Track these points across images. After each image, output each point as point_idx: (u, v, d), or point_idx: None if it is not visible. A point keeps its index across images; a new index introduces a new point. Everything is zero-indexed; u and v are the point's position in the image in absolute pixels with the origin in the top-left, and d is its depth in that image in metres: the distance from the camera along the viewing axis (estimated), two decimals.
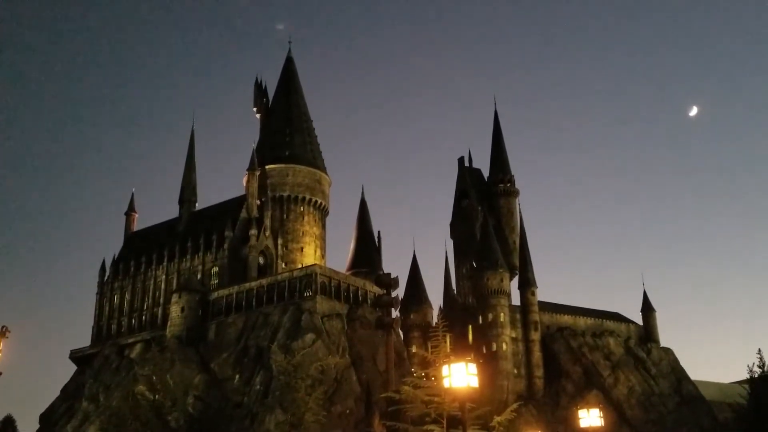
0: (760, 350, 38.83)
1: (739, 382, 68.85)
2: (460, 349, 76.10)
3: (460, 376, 14.85)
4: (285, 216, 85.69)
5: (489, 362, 78.28)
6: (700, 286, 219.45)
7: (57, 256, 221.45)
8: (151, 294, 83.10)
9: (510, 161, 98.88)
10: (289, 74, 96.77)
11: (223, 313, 73.89)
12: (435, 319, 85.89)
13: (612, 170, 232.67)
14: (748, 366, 38.77)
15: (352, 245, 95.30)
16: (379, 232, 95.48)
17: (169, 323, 74.59)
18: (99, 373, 74.97)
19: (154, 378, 64.62)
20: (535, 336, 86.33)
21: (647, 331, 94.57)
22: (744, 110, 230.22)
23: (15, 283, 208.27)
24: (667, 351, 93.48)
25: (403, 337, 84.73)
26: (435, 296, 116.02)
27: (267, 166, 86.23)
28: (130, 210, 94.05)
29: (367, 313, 70.77)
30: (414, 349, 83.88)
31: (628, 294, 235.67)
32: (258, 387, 62.18)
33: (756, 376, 38.18)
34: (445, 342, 22.40)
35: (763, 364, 38.29)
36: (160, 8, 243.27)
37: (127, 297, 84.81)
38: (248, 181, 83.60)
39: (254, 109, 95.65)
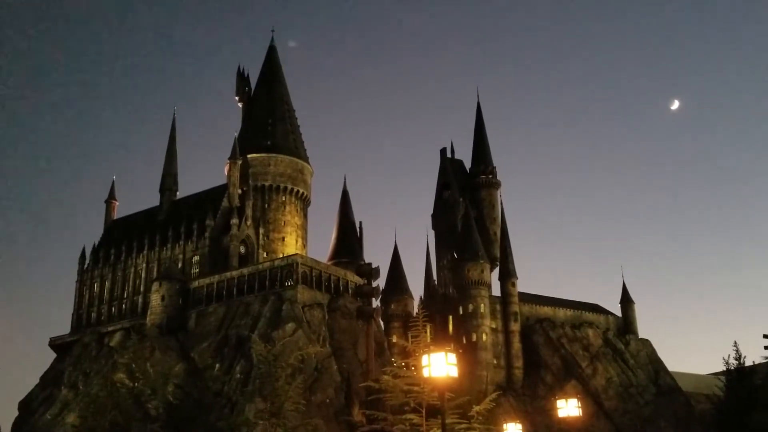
0: (736, 342, 39.29)
1: (716, 374, 69.87)
2: (440, 339, 76.65)
3: (439, 365, 14.92)
4: (266, 205, 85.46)
5: (469, 352, 78.69)
6: (679, 278, 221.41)
7: (37, 244, 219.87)
8: (131, 282, 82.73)
9: (492, 153, 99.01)
10: (271, 63, 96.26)
11: (203, 302, 73.75)
12: (415, 310, 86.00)
13: (593, 163, 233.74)
14: (724, 358, 39.20)
15: (333, 235, 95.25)
16: (360, 222, 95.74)
17: (149, 312, 74.36)
18: (78, 361, 74.74)
19: (134, 366, 64.10)
20: (515, 327, 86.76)
21: (626, 323, 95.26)
22: (725, 104, 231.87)
23: None
24: (645, 342, 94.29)
25: (383, 326, 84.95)
26: (416, 287, 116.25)
27: (249, 156, 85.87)
28: (111, 198, 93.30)
29: (348, 302, 70.86)
30: (394, 339, 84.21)
31: (608, 286, 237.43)
32: (238, 376, 62.16)
33: (732, 368, 38.58)
34: (426, 332, 22.57)
35: (740, 356, 38.70)
36: None
37: (107, 285, 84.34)
38: (230, 170, 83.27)
39: (236, 98, 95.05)
